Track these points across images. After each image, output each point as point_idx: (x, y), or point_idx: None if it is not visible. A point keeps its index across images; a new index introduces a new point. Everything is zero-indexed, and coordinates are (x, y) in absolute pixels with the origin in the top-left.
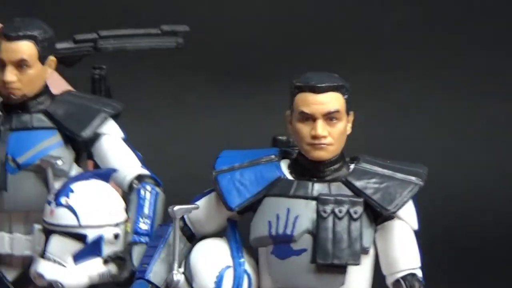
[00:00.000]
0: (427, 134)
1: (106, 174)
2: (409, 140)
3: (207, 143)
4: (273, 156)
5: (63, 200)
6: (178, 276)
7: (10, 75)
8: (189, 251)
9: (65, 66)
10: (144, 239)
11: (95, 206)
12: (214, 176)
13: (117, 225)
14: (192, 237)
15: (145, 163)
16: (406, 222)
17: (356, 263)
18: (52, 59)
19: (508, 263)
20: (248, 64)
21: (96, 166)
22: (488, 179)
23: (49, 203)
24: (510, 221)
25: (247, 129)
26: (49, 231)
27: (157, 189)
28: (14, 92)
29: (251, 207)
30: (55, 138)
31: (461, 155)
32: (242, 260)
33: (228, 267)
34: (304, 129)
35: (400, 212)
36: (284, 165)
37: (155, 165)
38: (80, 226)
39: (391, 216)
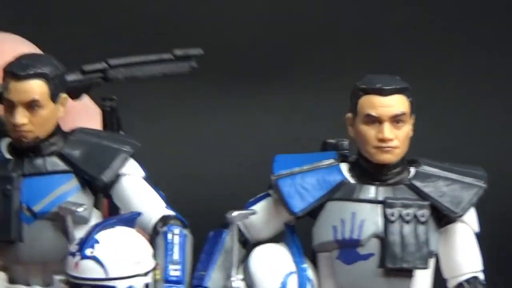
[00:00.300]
0: (430, 134)
1: (130, 219)
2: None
3: (207, 143)
4: (332, 160)
5: (88, 251)
6: (237, 283)
7: (21, 117)
8: (245, 257)
9: (71, 98)
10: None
11: (123, 256)
12: (274, 180)
13: (146, 274)
14: (245, 243)
15: (168, 202)
16: (468, 224)
17: (425, 267)
18: (64, 96)
19: None
20: (248, 65)
21: (112, 205)
22: None
23: (73, 254)
24: None
25: (247, 130)
26: (74, 285)
27: (185, 231)
28: (25, 135)
29: (310, 212)
30: (72, 183)
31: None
32: (305, 265)
33: (291, 273)
34: (370, 132)
35: (463, 215)
36: (344, 169)
37: (155, 165)
38: (108, 278)
39: (453, 219)
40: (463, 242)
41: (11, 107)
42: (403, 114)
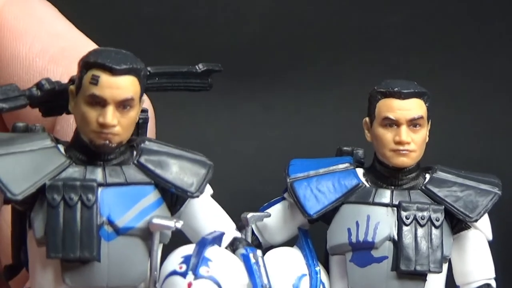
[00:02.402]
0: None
1: (220, 238)
2: None
3: (207, 144)
4: (348, 164)
5: (203, 270)
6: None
7: (112, 117)
8: None
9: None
10: None
11: (236, 276)
12: (289, 183)
13: None
14: (258, 247)
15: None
16: (482, 231)
17: (439, 270)
18: (143, 98)
19: None
20: (248, 65)
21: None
22: None
23: (182, 275)
24: None
25: (247, 130)
26: None
27: (260, 253)
28: (111, 139)
29: (324, 216)
30: (155, 195)
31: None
32: (318, 268)
33: (304, 275)
34: (387, 135)
35: (478, 222)
36: (360, 173)
37: None
38: None
39: (467, 226)
40: (476, 248)
41: (96, 104)
42: (421, 118)
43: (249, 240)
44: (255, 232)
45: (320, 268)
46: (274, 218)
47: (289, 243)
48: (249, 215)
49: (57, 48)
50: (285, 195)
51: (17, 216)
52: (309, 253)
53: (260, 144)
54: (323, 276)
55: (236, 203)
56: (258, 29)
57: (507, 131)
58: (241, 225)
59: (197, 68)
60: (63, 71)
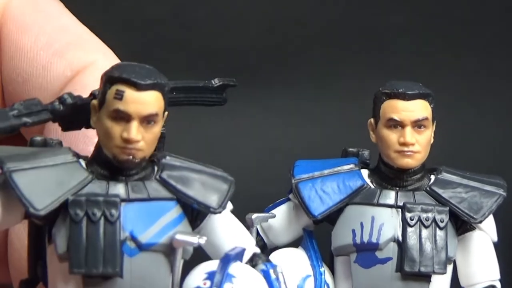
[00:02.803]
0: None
1: (241, 254)
2: None
3: (207, 145)
4: (353, 165)
5: (227, 287)
6: None
7: (137, 132)
8: None
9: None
10: None
11: None
12: (294, 184)
13: None
14: (263, 248)
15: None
16: (487, 233)
17: (443, 271)
18: (166, 113)
19: None
20: (248, 68)
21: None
22: None
23: None
24: None
25: (249, 131)
26: None
27: (280, 268)
28: (135, 154)
29: (328, 217)
30: (177, 210)
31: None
32: (322, 269)
33: (308, 276)
34: (392, 136)
35: (482, 223)
36: (365, 174)
37: None
38: None
39: (471, 227)
40: (481, 250)
41: (120, 119)
42: (425, 119)
43: (255, 240)
44: (260, 233)
45: (324, 269)
46: (279, 219)
47: (294, 244)
48: (254, 216)
49: (62, 42)
50: (290, 196)
51: (34, 230)
52: (314, 254)
53: (263, 145)
54: (327, 277)
55: (240, 204)
56: (259, 30)
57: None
58: (246, 226)
59: (213, 83)
60: (66, 64)
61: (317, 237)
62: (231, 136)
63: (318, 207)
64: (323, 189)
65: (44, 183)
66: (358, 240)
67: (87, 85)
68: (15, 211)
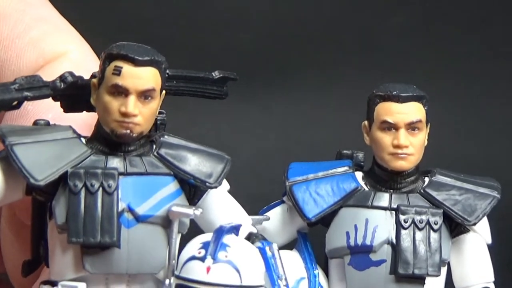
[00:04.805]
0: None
1: (237, 229)
2: None
3: (206, 145)
4: (347, 167)
5: (222, 255)
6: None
7: (134, 106)
8: None
9: None
10: None
11: (254, 264)
12: (288, 186)
13: (262, 286)
14: None
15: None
16: (481, 235)
17: (437, 274)
18: (163, 92)
19: None
20: (248, 67)
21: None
22: None
23: (201, 259)
24: None
25: (246, 132)
26: None
27: (276, 246)
28: (133, 128)
29: (322, 219)
30: (174, 185)
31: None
32: (316, 271)
33: (303, 278)
34: (386, 138)
35: (476, 225)
36: (359, 176)
37: None
38: (243, 286)
39: (466, 230)
40: (475, 252)
41: (118, 94)
42: (419, 121)
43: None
44: None
45: (318, 271)
46: (273, 221)
47: (288, 246)
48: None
49: (38, 32)
50: (284, 198)
51: (36, 210)
52: (308, 256)
53: (259, 146)
54: (321, 279)
55: None
56: (259, 30)
57: (506, 134)
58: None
59: (213, 74)
60: (39, 53)
61: (312, 239)
62: (228, 136)
63: (312, 210)
64: (317, 192)
65: (44, 156)
66: (352, 243)
67: (56, 74)
68: (16, 186)
